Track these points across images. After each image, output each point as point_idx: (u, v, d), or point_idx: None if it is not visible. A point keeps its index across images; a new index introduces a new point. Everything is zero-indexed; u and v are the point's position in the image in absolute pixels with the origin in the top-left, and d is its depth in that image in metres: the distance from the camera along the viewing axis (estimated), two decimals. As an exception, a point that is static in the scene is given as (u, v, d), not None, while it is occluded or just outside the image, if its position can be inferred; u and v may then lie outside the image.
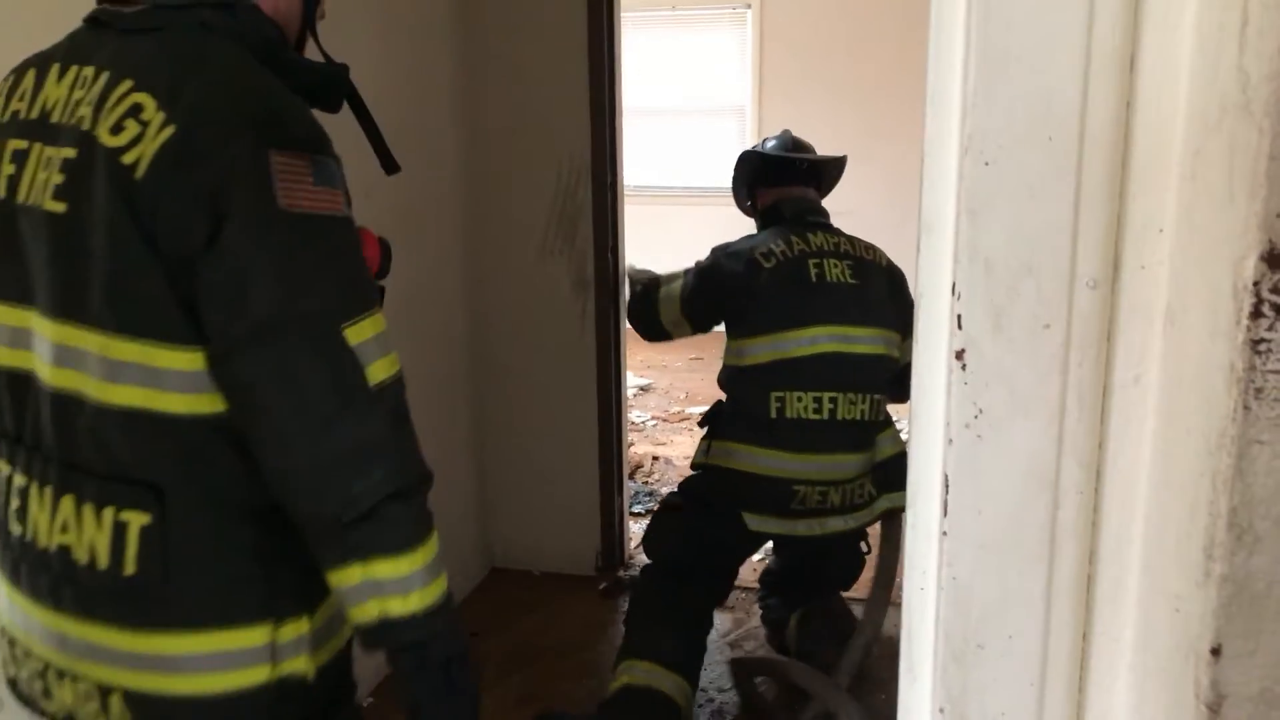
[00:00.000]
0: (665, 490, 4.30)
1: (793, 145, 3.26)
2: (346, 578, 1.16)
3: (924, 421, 0.85)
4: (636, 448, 4.94)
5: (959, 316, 0.78)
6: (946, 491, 0.81)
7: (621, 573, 3.59)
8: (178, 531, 1.16)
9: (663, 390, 5.92)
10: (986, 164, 0.76)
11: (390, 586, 1.17)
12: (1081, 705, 0.81)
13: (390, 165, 1.50)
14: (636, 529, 3.73)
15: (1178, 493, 0.71)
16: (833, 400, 2.85)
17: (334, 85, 1.33)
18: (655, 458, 4.87)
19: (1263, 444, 0.62)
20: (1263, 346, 0.60)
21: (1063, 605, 0.80)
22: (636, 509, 4.20)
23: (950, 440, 0.80)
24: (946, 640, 0.83)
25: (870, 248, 3.08)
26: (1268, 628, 0.64)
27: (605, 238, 3.37)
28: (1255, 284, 0.60)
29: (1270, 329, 0.60)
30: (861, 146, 7.30)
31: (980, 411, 0.79)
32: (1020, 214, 0.76)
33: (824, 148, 3.26)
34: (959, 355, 0.79)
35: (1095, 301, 0.76)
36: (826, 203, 3.27)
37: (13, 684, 1.31)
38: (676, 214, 7.14)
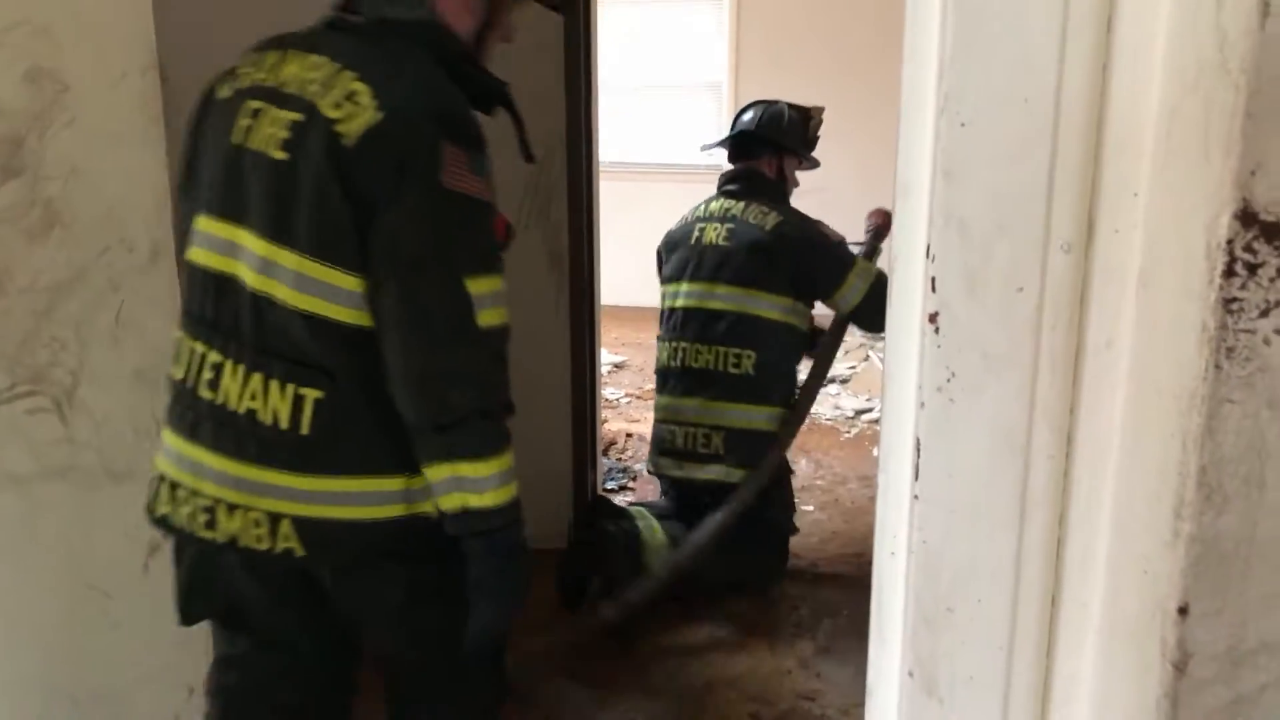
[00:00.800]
0: (638, 467, 4.30)
1: (735, 118, 3.51)
2: (437, 473, 1.52)
3: (896, 385, 0.84)
4: (610, 424, 4.93)
5: (933, 279, 0.78)
6: (918, 455, 0.81)
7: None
8: (342, 406, 1.52)
9: (637, 367, 5.91)
10: (963, 125, 0.75)
11: (470, 484, 1.51)
12: (1049, 668, 0.82)
13: (529, 156, 1.77)
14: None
15: (1148, 455, 0.71)
16: (690, 350, 3.27)
17: (493, 96, 1.69)
18: (629, 434, 4.87)
19: (1233, 403, 0.62)
20: (1235, 305, 0.60)
21: (1032, 569, 0.81)
22: (610, 485, 4.20)
23: (922, 404, 0.80)
24: (917, 604, 0.83)
25: (764, 214, 3.28)
26: (1235, 586, 0.64)
27: (580, 213, 3.34)
28: (1229, 242, 0.60)
29: (1243, 288, 0.60)
30: (837, 124, 7.30)
31: (953, 375, 0.79)
32: (996, 176, 0.75)
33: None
34: (932, 318, 0.78)
35: (1069, 265, 0.76)
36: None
37: (161, 520, 1.67)
38: (651, 190, 7.11)
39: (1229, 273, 0.60)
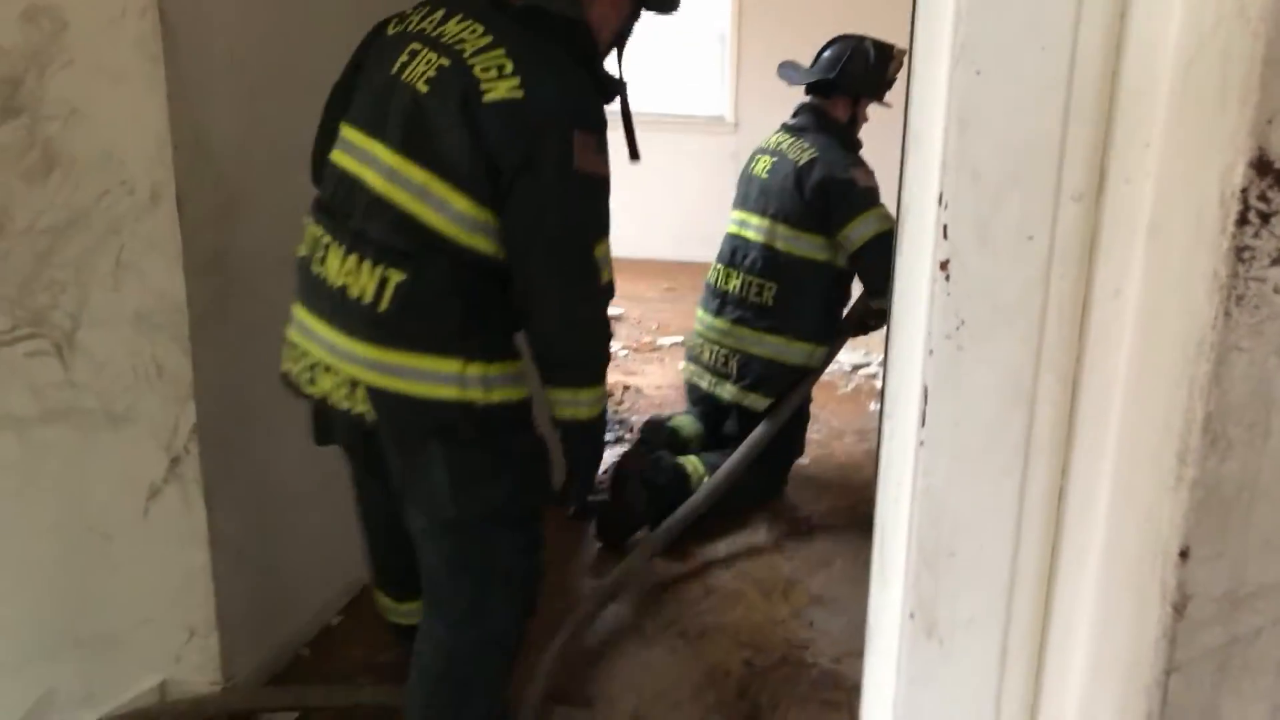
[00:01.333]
0: (635, 419, 4.31)
1: (820, 52, 3.76)
2: (556, 393, 1.95)
3: (905, 332, 0.85)
4: (608, 377, 4.95)
5: (945, 226, 0.78)
6: (925, 402, 0.82)
7: (590, 497, 3.60)
8: (417, 291, 1.77)
9: (635, 320, 5.92)
10: (978, 73, 0.75)
11: (583, 404, 1.95)
12: (1048, 610, 0.83)
13: (635, 154, 2.07)
14: (608, 456, 3.75)
15: (1153, 402, 0.72)
16: (724, 273, 3.57)
17: (613, 91, 1.97)
18: (626, 387, 4.88)
19: (1241, 350, 0.62)
20: (1246, 254, 0.61)
21: (1034, 515, 0.82)
22: (607, 437, 4.22)
23: (931, 351, 0.81)
24: (919, 548, 0.84)
25: (804, 149, 3.49)
26: (1235, 530, 0.65)
27: (583, 163, 3.32)
28: (1243, 190, 0.60)
29: (1255, 236, 0.61)
30: (840, 79, 7.24)
31: (962, 323, 0.80)
32: (1010, 124, 0.75)
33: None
34: (943, 266, 0.79)
35: (1079, 214, 0.76)
36: None
37: (283, 376, 2.00)
38: (653, 140, 7.07)
39: (1242, 221, 0.61)
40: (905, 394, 0.85)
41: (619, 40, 2.07)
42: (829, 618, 2.84)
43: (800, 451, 3.69)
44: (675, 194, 6.83)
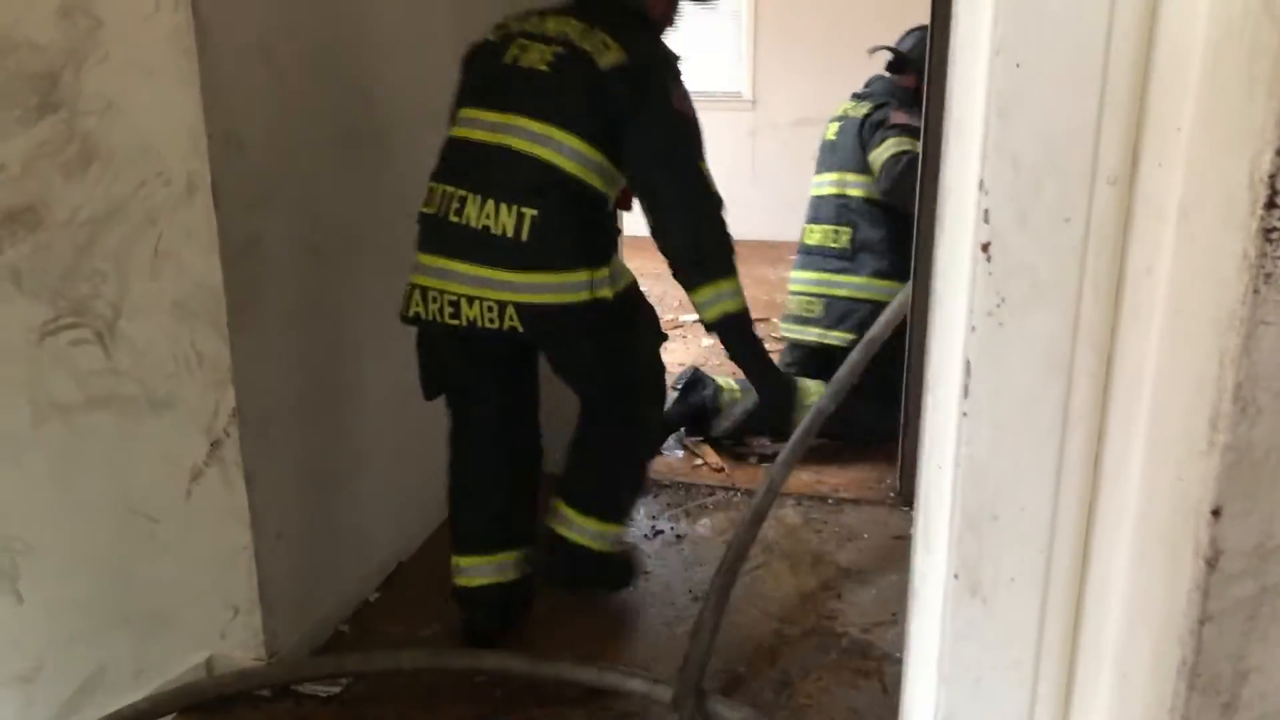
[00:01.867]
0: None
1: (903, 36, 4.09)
2: (702, 294, 2.41)
3: (947, 310, 0.90)
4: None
5: (986, 211, 0.83)
6: (968, 375, 0.87)
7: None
8: (548, 222, 2.27)
9: (656, 298, 5.94)
10: (1017, 65, 0.80)
11: (726, 295, 2.41)
12: (1085, 568, 0.89)
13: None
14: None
15: (1185, 372, 0.77)
16: (807, 231, 4.03)
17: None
18: (645, 364, 4.93)
19: (1269, 324, 0.67)
20: (1274, 235, 0.66)
21: (1071, 479, 0.87)
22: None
23: (973, 328, 0.86)
24: (963, 512, 0.90)
25: (866, 107, 3.98)
26: (1264, 490, 0.71)
27: (601, 143, 3.36)
28: (1271, 176, 0.65)
29: (1282, 218, 0.66)
30: (857, 51, 7.23)
31: (1002, 300, 0.85)
32: (1048, 113, 0.80)
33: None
34: (984, 248, 0.84)
35: (1114, 197, 0.81)
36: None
37: (414, 319, 2.42)
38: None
39: (1270, 205, 0.66)
40: (947, 368, 0.90)
41: (669, 23, 2.64)
42: (857, 589, 2.90)
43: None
44: (691, 171, 6.86)
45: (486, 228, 2.29)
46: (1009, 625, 0.90)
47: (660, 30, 2.58)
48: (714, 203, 2.39)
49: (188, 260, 2.24)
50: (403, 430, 3.05)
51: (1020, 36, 0.79)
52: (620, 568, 2.78)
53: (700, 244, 2.39)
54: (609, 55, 2.31)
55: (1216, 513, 0.71)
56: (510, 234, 2.27)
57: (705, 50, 7.51)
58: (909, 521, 3.28)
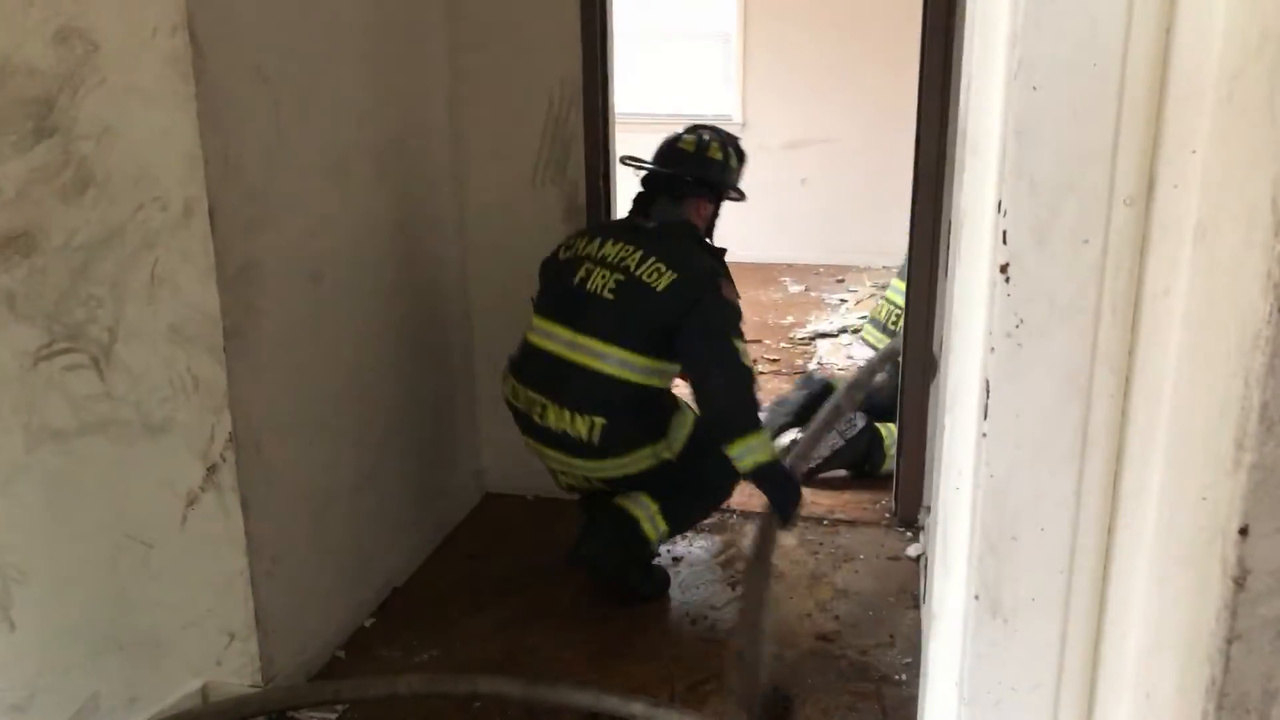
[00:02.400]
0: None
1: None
2: (735, 448, 2.76)
3: (964, 332, 0.90)
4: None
5: (1004, 232, 0.84)
6: (987, 396, 0.87)
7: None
8: (616, 424, 2.79)
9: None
10: (1035, 89, 0.81)
11: (755, 449, 2.77)
12: (1105, 588, 0.89)
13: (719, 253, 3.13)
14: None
15: (1206, 392, 0.77)
16: None
17: (719, 253, 3.00)
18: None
19: (1295, 344, 0.68)
20: (1298, 255, 0.66)
21: (1091, 500, 0.87)
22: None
23: (992, 349, 0.86)
24: (983, 533, 0.90)
25: None
26: (1291, 509, 0.71)
27: (597, 165, 3.37)
28: (1294, 198, 0.66)
29: (1307, 239, 0.66)
30: (844, 76, 7.29)
31: (1021, 321, 0.85)
32: (1065, 136, 0.81)
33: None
34: (1003, 269, 0.84)
35: (1131, 218, 0.82)
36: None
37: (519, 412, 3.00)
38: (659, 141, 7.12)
39: (1294, 226, 0.66)
40: (965, 390, 0.90)
41: (710, 227, 3.10)
42: (855, 610, 2.90)
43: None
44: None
45: (565, 431, 2.82)
46: (1030, 646, 0.90)
47: (707, 233, 3.06)
48: (747, 376, 2.79)
49: (184, 284, 2.23)
50: (398, 455, 3.04)
51: (1038, 60, 0.80)
52: (659, 574, 3.08)
53: (734, 411, 2.78)
54: (663, 280, 2.77)
55: (1244, 531, 0.71)
56: (585, 437, 2.80)
57: (695, 74, 7.57)
58: (905, 542, 3.28)
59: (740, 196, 3.16)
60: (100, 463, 2.32)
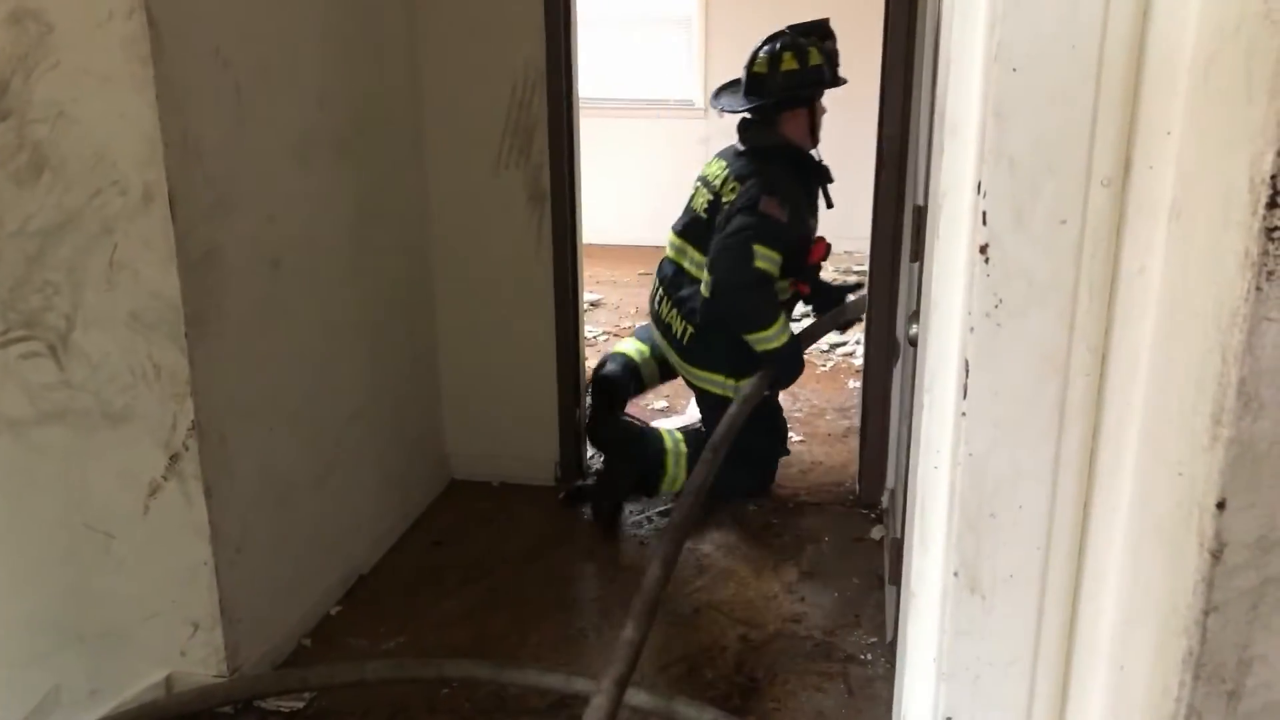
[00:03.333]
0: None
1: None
2: (750, 337, 3.20)
3: (942, 312, 0.91)
4: (589, 362, 4.98)
5: (984, 213, 0.84)
6: (966, 375, 0.88)
7: (581, 481, 3.66)
8: (702, 340, 3.32)
9: (613, 305, 5.95)
10: (1014, 70, 0.81)
11: (762, 342, 3.21)
12: (1081, 563, 0.90)
13: (829, 204, 3.43)
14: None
15: (1182, 369, 0.78)
16: None
17: (821, 169, 3.37)
18: (600, 371, 4.93)
19: (1272, 321, 0.69)
20: (1276, 234, 0.68)
21: (1068, 477, 0.89)
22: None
23: (971, 329, 0.87)
24: (962, 511, 0.91)
25: None
26: (1267, 483, 0.72)
27: (561, 150, 3.35)
28: (1273, 177, 0.67)
29: (1285, 217, 0.67)
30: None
31: (1000, 301, 0.86)
32: (1044, 117, 0.82)
33: None
34: (982, 250, 0.85)
35: (1108, 199, 0.83)
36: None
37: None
38: (626, 127, 7.10)
39: (1272, 204, 0.67)
40: (944, 369, 0.91)
41: (814, 132, 3.35)
42: (820, 591, 2.92)
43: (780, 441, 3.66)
44: (647, 179, 6.87)
45: (669, 325, 3.42)
46: (1008, 622, 0.92)
47: (805, 151, 3.30)
48: (748, 275, 3.10)
49: (144, 271, 2.19)
50: (363, 442, 3.01)
51: (1017, 42, 0.80)
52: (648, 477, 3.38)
53: (733, 303, 3.19)
54: (732, 197, 3.17)
55: (1221, 505, 0.73)
56: (679, 336, 3.38)
57: (658, 58, 7.55)
58: (869, 524, 3.31)
59: (835, 83, 3.30)
60: (59, 452, 2.28)
